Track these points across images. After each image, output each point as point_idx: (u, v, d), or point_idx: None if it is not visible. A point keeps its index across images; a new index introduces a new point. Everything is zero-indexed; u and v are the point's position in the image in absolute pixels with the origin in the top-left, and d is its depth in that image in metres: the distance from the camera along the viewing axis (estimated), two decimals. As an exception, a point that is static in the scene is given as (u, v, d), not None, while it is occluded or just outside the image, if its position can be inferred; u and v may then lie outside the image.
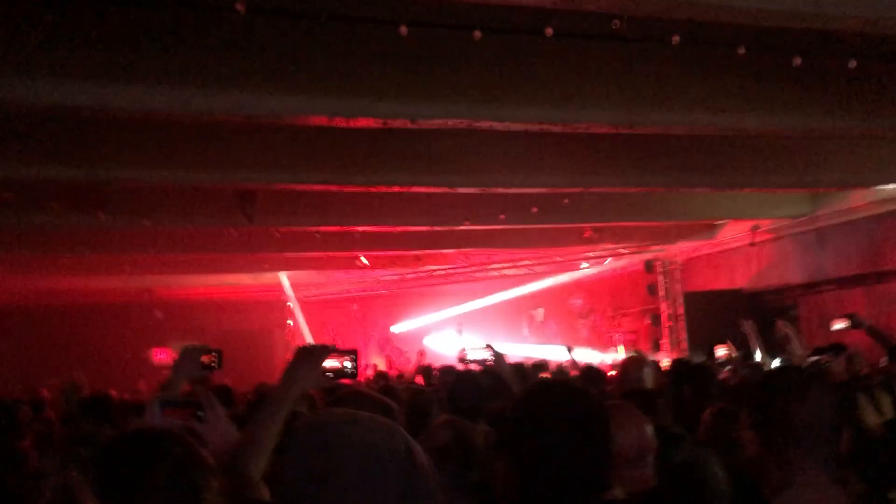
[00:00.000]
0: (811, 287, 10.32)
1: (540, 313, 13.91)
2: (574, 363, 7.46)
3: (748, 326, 6.70)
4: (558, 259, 12.95)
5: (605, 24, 4.30)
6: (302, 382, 1.85)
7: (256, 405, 3.00)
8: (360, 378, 5.62)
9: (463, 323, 14.33)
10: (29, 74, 4.12)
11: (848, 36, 4.69)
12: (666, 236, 11.24)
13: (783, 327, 5.04)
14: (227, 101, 4.45)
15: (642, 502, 2.01)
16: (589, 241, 10.76)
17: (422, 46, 4.59)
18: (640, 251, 11.89)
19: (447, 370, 5.65)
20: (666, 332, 11.41)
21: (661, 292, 11.59)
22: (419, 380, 7.11)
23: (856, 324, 4.32)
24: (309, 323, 15.25)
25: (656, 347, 11.43)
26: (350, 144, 6.24)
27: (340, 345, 1.99)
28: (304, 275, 13.95)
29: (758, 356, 6.32)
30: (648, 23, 4.49)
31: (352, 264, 12.24)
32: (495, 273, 13.58)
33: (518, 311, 14.92)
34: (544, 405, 1.54)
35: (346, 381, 2.06)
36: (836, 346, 5.28)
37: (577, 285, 14.71)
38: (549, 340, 13.44)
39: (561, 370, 6.35)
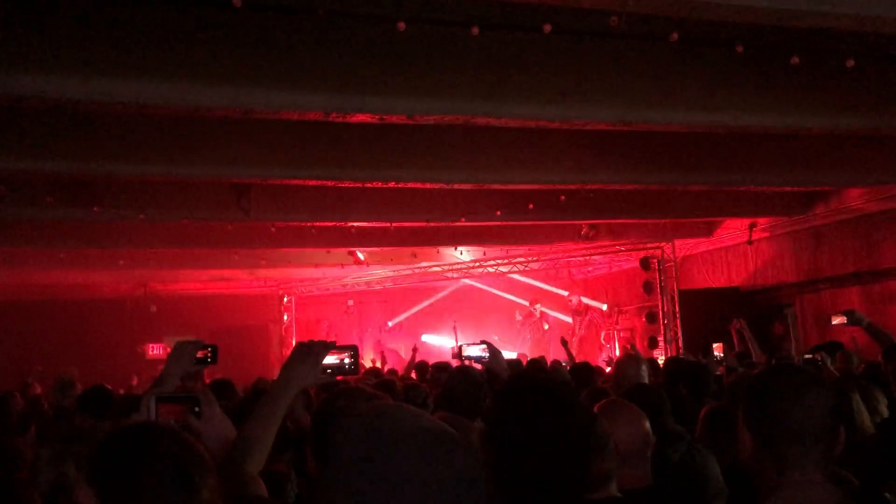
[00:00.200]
0: (807, 285, 10.36)
1: (537, 309, 13.90)
2: (570, 358, 7.47)
3: (741, 324, 6.73)
4: (553, 256, 12.96)
5: (604, 20, 4.29)
6: (301, 379, 1.84)
7: (253, 399, 3.00)
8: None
9: (458, 319, 14.32)
10: (23, 68, 4.11)
11: (846, 35, 4.70)
12: (663, 234, 11.26)
13: (780, 330, 5.06)
14: (224, 95, 4.44)
15: (639, 500, 2.02)
16: (585, 238, 10.78)
17: (419, 42, 4.59)
18: (637, 249, 11.90)
19: (441, 367, 5.65)
20: (662, 329, 11.43)
21: (658, 290, 11.60)
22: (413, 376, 7.11)
23: (853, 320, 4.34)
24: (304, 319, 15.27)
25: (653, 345, 11.45)
26: (346, 140, 6.24)
27: (335, 341, 1.97)
28: (299, 271, 14.00)
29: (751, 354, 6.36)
30: (647, 20, 4.49)
31: (347, 260, 12.24)
32: (491, 269, 13.57)
33: (515, 307, 14.94)
34: (522, 400, 1.53)
35: (346, 377, 2.05)
36: (834, 344, 5.31)
37: (574, 282, 14.74)
38: (545, 336, 13.46)
39: (557, 366, 6.36)
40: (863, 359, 5.63)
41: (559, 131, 6.03)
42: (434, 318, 15.29)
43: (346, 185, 7.06)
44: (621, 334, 13.20)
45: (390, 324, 15.29)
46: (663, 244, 11.57)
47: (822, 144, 7.24)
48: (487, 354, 3.33)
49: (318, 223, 9.10)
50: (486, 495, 0.96)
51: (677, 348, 11.01)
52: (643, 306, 12.24)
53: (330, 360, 1.90)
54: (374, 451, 0.93)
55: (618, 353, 12.52)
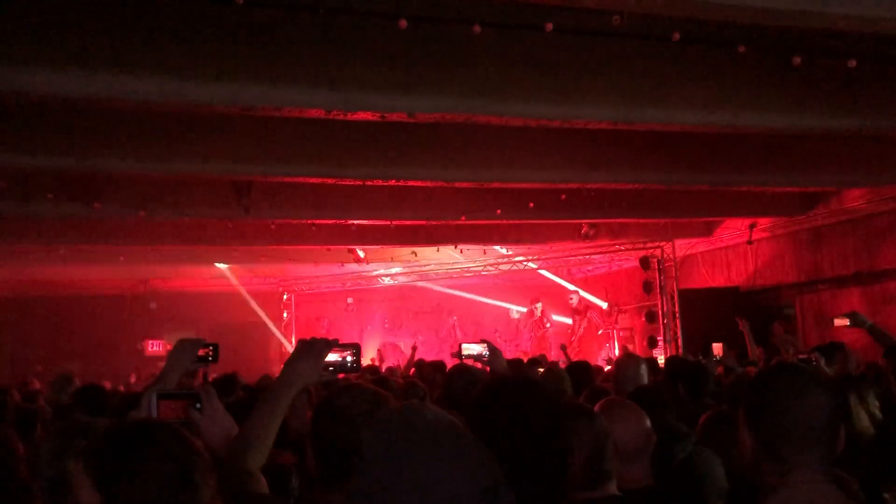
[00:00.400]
0: (807, 286, 10.37)
1: (538, 308, 13.91)
2: (567, 361, 7.48)
3: (742, 325, 6.74)
4: (553, 255, 12.96)
5: (606, 20, 4.29)
6: (303, 376, 1.84)
7: (254, 396, 3.00)
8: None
9: (458, 317, 14.34)
10: (25, 64, 4.10)
11: (847, 35, 4.70)
12: (663, 233, 11.26)
13: (780, 330, 5.06)
14: (225, 91, 4.43)
15: (640, 499, 2.02)
16: (586, 238, 10.78)
17: (421, 40, 4.58)
18: (637, 248, 11.91)
19: (437, 366, 5.65)
20: (661, 329, 11.44)
21: (657, 289, 11.61)
22: (410, 372, 7.12)
23: (856, 322, 4.35)
24: (304, 317, 15.27)
25: (652, 344, 11.46)
26: (347, 137, 6.24)
27: (333, 339, 1.97)
28: (299, 268, 14.00)
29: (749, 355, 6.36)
30: (649, 20, 4.49)
31: (347, 258, 12.24)
32: (491, 269, 13.57)
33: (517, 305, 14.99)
34: (500, 401, 1.53)
35: (347, 375, 2.05)
36: (834, 345, 5.31)
37: (574, 281, 14.75)
38: (546, 336, 13.47)
39: (553, 366, 6.37)
40: (862, 360, 5.63)
41: (560, 130, 6.04)
42: (432, 316, 15.33)
43: (347, 182, 7.06)
44: (621, 334, 13.20)
45: (390, 316, 15.30)
46: (663, 244, 11.58)
47: (822, 145, 7.24)
48: (488, 353, 3.33)
49: (318, 221, 9.10)
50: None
51: (676, 348, 11.02)
52: (642, 306, 12.24)
53: (332, 357, 1.90)
54: (406, 451, 0.94)
55: (617, 352, 12.52)
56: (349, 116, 4.91)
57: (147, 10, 4.26)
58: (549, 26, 4.44)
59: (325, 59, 4.54)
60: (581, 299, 14.09)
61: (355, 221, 9.22)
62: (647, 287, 11.72)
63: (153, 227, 9.30)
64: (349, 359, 1.95)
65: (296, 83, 4.53)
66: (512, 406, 1.50)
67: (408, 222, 9.42)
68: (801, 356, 5.09)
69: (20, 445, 3.53)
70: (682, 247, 12.12)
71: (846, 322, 4.39)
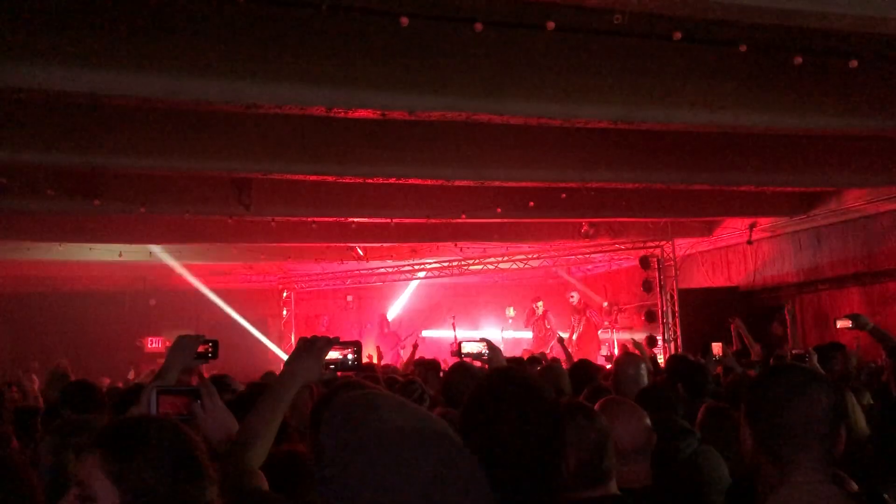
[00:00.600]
0: (807, 286, 10.37)
1: (539, 307, 13.92)
2: (568, 356, 7.48)
3: (737, 323, 6.74)
4: (554, 253, 12.97)
5: (607, 19, 4.29)
6: (304, 374, 1.84)
7: (255, 392, 3.00)
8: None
9: (457, 315, 14.36)
10: (26, 60, 4.10)
11: (850, 35, 4.69)
12: (663, 233, 11.27)
13: (779, 330, 5.08)
14: (225, 89, 4.43)
15: (639, 498, 2.02)
16: (586, 237, 10.79)
17: (422, 38, 4.58)
18: (637, 247, 11.92)
19: (430, 365, 5.65)
20: (661, 328, 11.45)
21: (657, 289, 11.61)
22: (409, 370, 7.13)
23: (858, 324, 4.37)
24: (303, 314, 15.28)
25: (651, 343, 11.47)
26: (348, 135, 6.24)
27: (338, 337, 1.97)
28: (298, 265, 14.00)
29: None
30: (650, 19, 4.49)
31: (348, 255, 12.24)
32: (491, 266, 13.59)
33: (512, 304, 14.99)
34: (494, 398, 1.52)
35: (347, 372, 2.05)
36: (835, 345, 5.32)
37: (574, 280, 14.77)
38: (548, 334, 13.49)
39: (552, 363, 6.38)
40: (863, 360, 5.64)
41: (561, 129, 6.03)
42: (433, 314, 15.35)
43: (347, 180, 7.05)
44: (620, 332, 13.22)
45: (389, 318, 15.30)
46: (663, 243, 11.58)
47: (823, 145, 7.24)
48: (487, 351, 3.33)
49: (318, 218, 9.10)
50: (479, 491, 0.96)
51: (676, 347, 11.02)
52: (642, 305, 12.25)
53: (333, 355, 1.91)
54: (355, 441, 0.94)
55: (616, 351, 12.53)
56: (350, 114, 4.91)
57: (149, 7, 4.25)
58: (551, 25, 4.43)
59: (325, 57, 4.53)
60: (581, 298, 14.08)
61: (355, 219, 9.21)
62: (647, 286, 11.72)
63: (153, 224, 9.29)
64: (350, 357, 1.95)
65: (296, 80, 4.53)
66: (508, 404, 1.50)
67: (408, 220, 9.42)
68: (795, 352, 5.10)
69: (15, 441, 3.54)
70: (682, 246, 12.12)
71: (848, 324, 4.40)
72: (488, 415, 1.49)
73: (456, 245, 11.78)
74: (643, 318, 11.95)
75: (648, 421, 2.20)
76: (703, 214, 10.41)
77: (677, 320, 11.16)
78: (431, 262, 13.72)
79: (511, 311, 14.96)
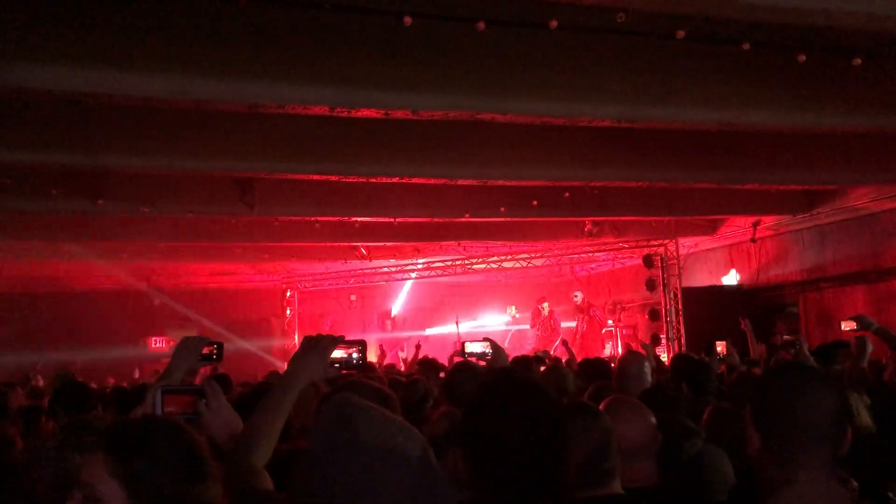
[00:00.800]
0: (811, 284, 10.35)
1: (545, 308, 13.93)
2: (571, 357, 7.48)
3: (745, 325, 6.73)
4: (557, 252, 12.97)
5: (610, 17, 4.28)
6: (308, 372, 1.84)
7: (260, 391, 3.01)
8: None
9: (461, 314, 14.35)
10: (30, 60, 4.10)
11: (853, 34, 4.68)
12: (666, 231, 11.25)
13: (782, 329, 5.09)
14: (229, 88, 4.43)
15: (644, 498, 2.01)
16: (590, 235, 10.78)
17: (426, 38, 4.57)
18: (641, 246, 11.90)
19: (430, 365, 5.67)
20: (665, 327, 11.44)
21: (661, 287, 11.60)
22: (413, 370, 7.14)
23: (863, 325, 4.37)
24: (307, 314, 15.30)
25: (655, 342, 11.46)
26: (351, 135, 6.23)
27: (343, 336, 1.98)
28: (302, 265, 14.01)
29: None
30: (654, 17, 4.48)
31: (351, 254, 12.25)
32: (494, 265, 13.59)
33: (515, 303, 15.00)
34: (497, 398, 1.52)
35: (351, 371, 2.06)
36: (839, 343, 5.32)
37: (578, 279, 14.75)
38: (553, 334, 13.50)
39: (555, 363, 6.38)
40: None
41: (564, 128, 6.02)
42: (436, 313, 15.36)
43: (351, 180, 7.06)
44: (624, 332, 13.21)
45: (393, 313, 15.34)
46: (667, 241, 11.57)
47: (827, 143, 7.22)
48: (490, 351, 3.32)
49: (321, 218, 9.11)
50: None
51: (680, 346, 11.01)
52: (646, 304, 12.24)
53: (338, 354, 1.91)
54: (341, 444, 0.98)
55: (620, 350, 12.52)
56: (353, 113, 4.91)
57: (152, 7, 4.26)
58: (554, 24, 4.43)
59: (328, 57, 4.53)
60: (585, 297, 14.08)
61: (359, 218, 9.22)
62: (651, 285, 11.71)
63: (156, 224, 9.31)
64: (355, 355, 1.95)
65: (300, 80, 4.53)
66: (510, 404, 1.49)
67: (412, 219, 9.42)
68: (786, 338, 5.11)
69: (19, 440, 3.55)
70: (686, 244, 12.10)
71: (853, 325, 4.41)
72: (491, 415, 1.49)
73: (459, 244, 11.78)
74: (647, 316, 11.93)
75: (654, 420, 2.20)
76: (706, 213, 10.40)
77: (681, 319, 11.14)
78: (435, 261, 13.73)
79: (512, 310, 14.96)
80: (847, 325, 4.48)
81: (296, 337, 14.52)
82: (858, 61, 4.98)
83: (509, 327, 14.63)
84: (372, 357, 11.88)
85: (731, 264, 11.85)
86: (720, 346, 6.00)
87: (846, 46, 4.95)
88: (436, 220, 9.19)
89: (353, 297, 15.52)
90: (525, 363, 4.98)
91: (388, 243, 11.37)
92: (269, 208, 8.17)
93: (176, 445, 1.33)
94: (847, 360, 4.64)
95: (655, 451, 2.13)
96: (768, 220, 10.71)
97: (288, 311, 15.10)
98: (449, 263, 13.70)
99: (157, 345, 13.85)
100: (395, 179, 7.00)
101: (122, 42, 4.21)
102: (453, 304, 15.17)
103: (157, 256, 11.58)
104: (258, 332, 14.54)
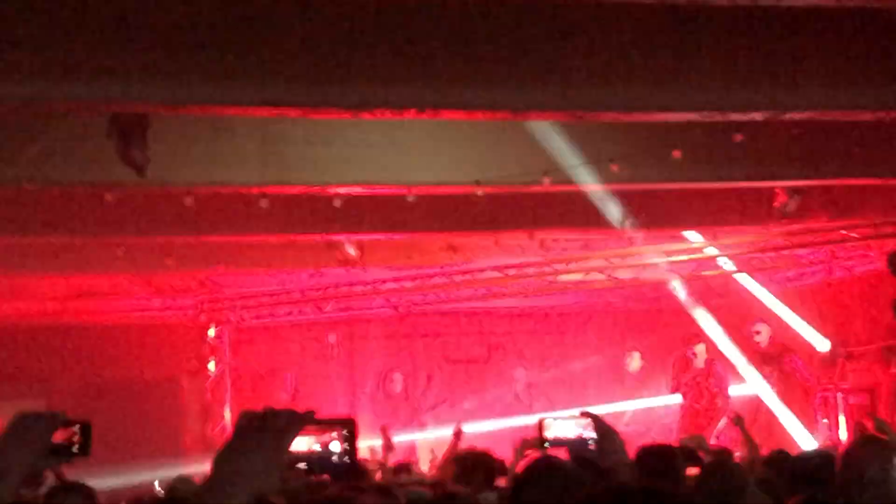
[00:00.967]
0: None
1: (700, 354, 13.91)
2: (751, 447, 7.46)
3: None
4: (720, 249, 12.93)
5: None
6: (247, 481, 1.85)
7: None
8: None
9: (530, 365, 14.41)
10: None
11: None
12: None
13: None
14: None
15: None
16: (784, 215, 10.69)
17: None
18: (883, 235, 11.79)
19: (481, 462, 5.72)
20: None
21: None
22: (446, 475, 7.20)
23: None
24: (248, 368, 15.43)
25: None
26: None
27: (313, 411, 1.99)
28: (236, 279, 14.13)
29: None
30: None
31: (328, 258, 12.32)
32: (599, 275, 13.57)
33: (637, 348, 15.05)
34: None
35: (333, 476, 2.08)
36: None
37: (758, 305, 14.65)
38: (713, 404, 13.51)
39: (722, 459, 6.35)
40: None
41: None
42: (485, 366, 15.45)
43: (324, 114, 7.21)
44: (851, 400, 13.09)
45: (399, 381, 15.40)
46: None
47: None
48: (594, 436, 3.33)
49: (271, 188, 9.16)
50: None
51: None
52: (893, 347, 12.15)
53: (305, 445, 1.92)
54: None
55: (844, 433, 12.43)
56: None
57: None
58: None
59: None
60: (774, 335, 13.98)
61: (341, 189, 9.27)
62: (903, 309, 11.60)
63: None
64: (335, 447, 1.96)
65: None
66: None
67: (439, 189, 9.43)
68: None
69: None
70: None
71: None
72: None
73: (531, 236, 11.77)
74: (894, 370, 11.84)
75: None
76: None
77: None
78: (485, 269, 13.76)
79: (636, 361, 14.95)
80: None
81: (226, 414, 14.65)
82: None
83: (629, 394, 14.60)
84: (366, 449, 11.96)
85: None
86: None
87: None
88: (486, 189, 9.18)
89: (332, 338, 15.62)
90: (665, 461, 4.97)
91: (395, 234, 11.44)
92: (174, 171, 8.34)
93: None
94: None
95: None
96: None
97: (212, 365, 15.27)
98: (513, 273, 13.71)
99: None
100: (408, 113, 7.13)
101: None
102: (515, 349, 15.21)
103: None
104: (156, 403, 14.71)
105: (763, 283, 14.34)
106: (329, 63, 6.83)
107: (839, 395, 13.28)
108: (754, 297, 14.16)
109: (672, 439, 11.39)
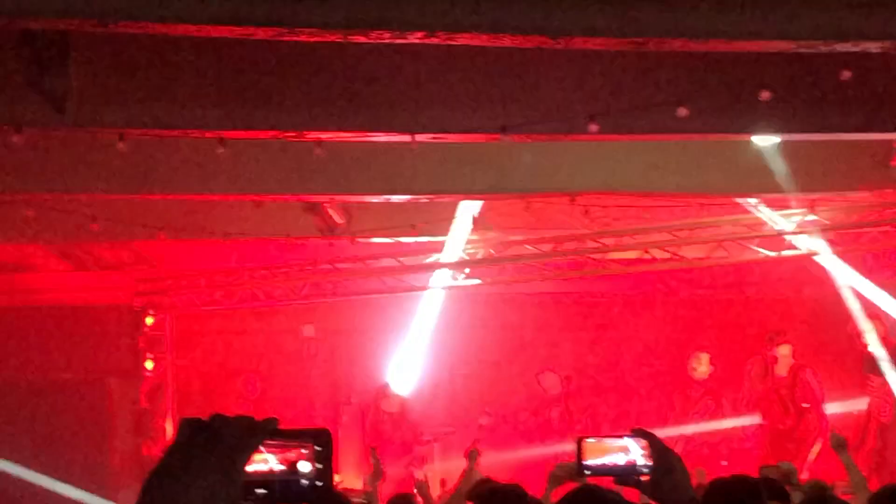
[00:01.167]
0: None
1: (785, 356, 13.92)
2: (858, 481, 7.51)
3: None
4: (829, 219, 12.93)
5: None
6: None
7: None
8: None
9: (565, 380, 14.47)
10: None
11: None
12: None
13: None
14: None
15: None
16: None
17: None
18: None
19: (504, 495, 5.77)
20: None
21: None
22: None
23: None
24: (195, 367, 15.45)
25: None
26: None
27: (276, 419, 2.00)
28: (180, 251, 14.19)
29: None
30: None
31: (305, 226, 12.34)
32: (664, 251, 13.61)
33: (706, 348, 15.06)
34: None
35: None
36: None
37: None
38: (807, 421, 13.55)
39: (820, 493, 6.37)
40: None
41: None
42: (511, 367, 15.52)
43: (307, 36, 7.20)
44: None
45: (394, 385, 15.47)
46: None
47: None
48: (648, 463, 3.35)
49: (230, 132, 9.17)
50: None
51: None
52: None
53: (264, 465, 1.93)
54: None
55: None
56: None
57: None
58: None
59: None
60: (887, 335, 14.00)
61: (323, 134, 9.27)
62: None
63: None
64: (305, 466, 1.97)
65: None
66: None
67: (451, 138, 9.46)
68: None
69: None
70: None
71: None
72: None
73: (573, 200, 11.79)
74: None
75: None
76: None
77: None
78: (510, 243, 13.80)
79: (703, 366, 14.95)
80: None
81: (167, 427, 14.72)
82: None
83: (693, 409, 14.67)
84: (347, 475, 12.01)
85: None
86: None
87: None
88: (515, 137, 9.19)
89: (308, 330, 15.66)
90: (742, 497, 5.00)
91: (394, 196, 11.48)
92: (103, 108, 8.40)
93: None
94: None
95: None
96: None
97: (149, 363, 15.31)
98: (548, 250, 13.75)
99: None
100: (414, 36, 7.11)
101: None
102: (548, 347, 15.28)
103: None
104: (74, 412, 14.74)
105: (872, 268, 14.36)
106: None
107: None
108: (859, 286, 14.17)
109: (751, 469, 11.44)
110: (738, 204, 12.67)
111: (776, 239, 13.46)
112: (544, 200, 11.98)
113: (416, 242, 13.82)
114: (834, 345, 14.39)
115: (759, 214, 12.87)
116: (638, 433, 3.41)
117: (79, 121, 8.24)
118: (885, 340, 13.96)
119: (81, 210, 11.86)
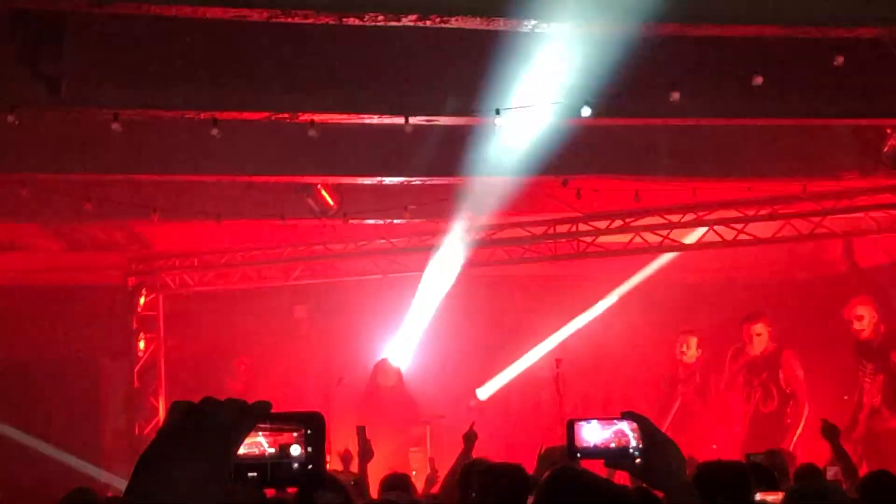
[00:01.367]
0: None
1: (761, 335, 13.92)
2: (848, 467, 7.53)
3: None
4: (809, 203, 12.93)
5: None
6: (180, 496, 1.89)
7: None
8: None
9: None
10: None
11: None
12: None
13: None
14: None
15: None
16: None
17: None
18: None
19: (501, 472, 5.77)
20: None
21: None
22: (448, 483, 7.27)
23: None
24: (188, 348, 15.39)
25: None
26: None
27: (269, 402, 1.99)
28: (175, 231, 14.15)
29: None
30: None
31: (297, 205, 12.32)
32: (660, 234, 13.60)
33: (694, 332, 15.06)
34: None
35: (293, 487, 2.07)
36: None
37: (858, 274, 14.65)
38: (790, 406, 13.56)
39: (815, 478, 6.38)
40: None
41: None
42: (504, 351, 15.49)
43: (307, 18, 7.19)
44: None
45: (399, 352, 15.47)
46: None
47: None
48: (638, 444, 3.34)
49: (224, 112, 9.15)
50: None
51: None
52: None
53: (255, 446, 1.93)
54: None
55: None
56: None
57: None
58: None
59: None
60: (879, 322, 14.00)
61: (316, 115, 9.25)
62: None
63: None
64: (296, 450, 1.97)
65: None
66: None
67: (442, 120, 9.45)
68: None
69: None
70: None
71: None
72: None
73: (565, 183, 11.78)
74: None
75: None
76: None
77: None
78: (504, 225, 13.77)
79: (692, 348, 14.94)
80: None
81: (160, 407, 14.69)
82: None
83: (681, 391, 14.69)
84: (337, 456, 12.00)
85: None
86: None
87: None
88: (506, 119, 9.19)
89: (299, 311, 15.63)
90: (731, 482, 5.01)
91: (387, 177, 11.49)
92: (97, 89, 8.41)
93: None
94: None
95: None
96: None
97: (142, 343, 15.27)
98: (540, 233, 13.73)
99: None
100: (407, 18, 7.10)
101: None
102: (540, 328, 15.27)
103: None
104: (67, 391, 14.73)
105: (864, 254, 14.34)
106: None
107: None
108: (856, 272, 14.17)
109: (739, 453, 11.45)
110: (730, 189, 12.68)
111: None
112: (537, 183, 11.96)
113: (408, 224, 13.80)
114: (825, 330, 14.37)
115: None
116: (630, 416, 3.40)
117: (73, 101, 8.23)
118: (878, 326, 13.97)
119: (75, 190, 11.84)
